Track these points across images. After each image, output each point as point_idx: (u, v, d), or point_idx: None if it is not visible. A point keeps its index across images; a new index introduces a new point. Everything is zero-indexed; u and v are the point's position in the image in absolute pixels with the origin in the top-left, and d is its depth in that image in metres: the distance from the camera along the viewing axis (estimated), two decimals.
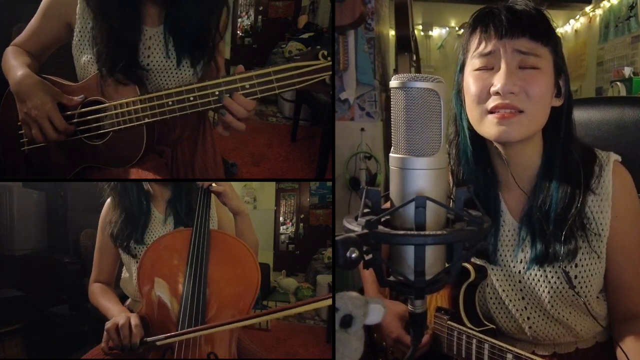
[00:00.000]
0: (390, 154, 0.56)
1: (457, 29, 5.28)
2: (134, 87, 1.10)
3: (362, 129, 2.97)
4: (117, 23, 1.09)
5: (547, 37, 0.90)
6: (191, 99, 1.05)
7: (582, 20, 4.87)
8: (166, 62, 1.16)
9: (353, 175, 2.96)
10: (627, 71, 3.80)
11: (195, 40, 1.16)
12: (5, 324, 1.85)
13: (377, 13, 3.08)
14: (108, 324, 1.04)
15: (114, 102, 1.10)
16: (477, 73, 0.91)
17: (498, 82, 0.87)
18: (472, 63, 0.93)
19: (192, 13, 1.13)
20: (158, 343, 0.98)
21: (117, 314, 1.13)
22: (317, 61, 1.02)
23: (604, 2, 4.41)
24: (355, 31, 2.85)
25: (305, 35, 3.07)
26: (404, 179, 0.55)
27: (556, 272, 0.95)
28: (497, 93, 0.87)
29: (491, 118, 0.89)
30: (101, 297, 1.28)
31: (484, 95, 0.90)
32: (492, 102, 0.88)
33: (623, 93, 3.66)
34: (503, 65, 0.88)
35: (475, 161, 0.99)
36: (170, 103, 1.06)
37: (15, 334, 1.88)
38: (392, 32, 3.30)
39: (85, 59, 1.14)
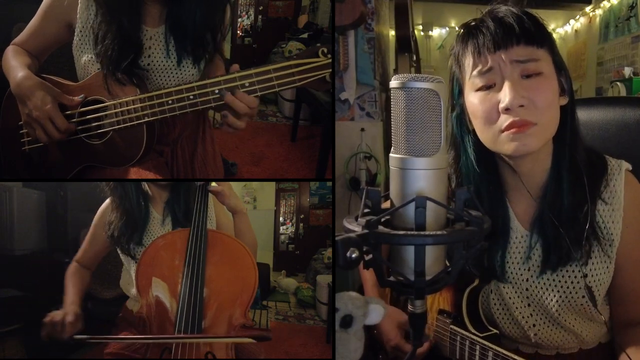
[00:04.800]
0: (390, 154, 0.56)
1: (457, 29, 5.28)
2: (134, 88, 1.10)
3: (362, 129, 2.97)
4: (126, 20, 1.09)
5: (542, 38, 0.87)
6: (191, 97, 1.05)
7: (582, 20, 4.87)
8: (166, 61, 1.16)
9: (353, 175, 2.96)
10: (627, 71, 3.80)
11: (198, 39, 1.16)
12: (5, 324, 1.85)
13: (377, 13, 3.08)
14: (47, 317, 1.13)
15: (114, 102, 1.10)
16: (480, 94, 0.88)
17: (505, 98, 0.84)
18: (473, 83, 0.89)
19: (194, 12, 1.13)
20: (89, 341, 1.06)
21: (68, 303, 1.23)
22: (317, 59, 1.02)
23: (604, 2, 4.41)
24: (355, 31, 2.84)
25: (306, 35, 3.07)
26: (404, 179, 0.55)
27: (566, 281, 0.94)
28: (506, 109, 0.84)
29: (505, 135, 0.86)
30: (70, 279, 1.35)
31: (493, 115, 0.86)
32: (504, 121, 0.85)
33: (623, 93, 3.65)
34: (505, 80, 0.85)
35: (482, 181, 0.96)
36: (170, 102, 1.06)
37: (15, 334, 1.88)
38: (392, 32, 3.30)
39: (85, 59, 1.14)
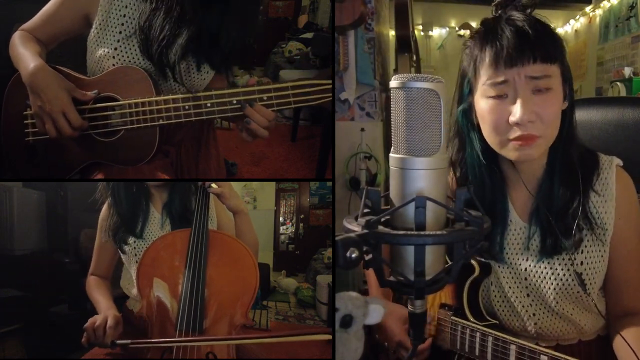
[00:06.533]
0: (390, 154, 0.56)
1: (457, 29, 5.28)
2: (181, 87, 1.11)
3: (362, 129, 2.97)
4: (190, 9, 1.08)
5: (555, 53, 0.89)
6: (208, 105, 1.05)
7: (582, 20, 4.87)
8: (184, 65, 1.14)
9: (353, 175, 2.96)
10: (627, 71, 3.81)
11: (230, 48, 1.16)
12: (5, 324, 1.85)
13: (377, 13, 3.08)
14: (87, 323, 1.10)
15: (129, 101, 1.07)
16: (491, 102, 0.90)
17: (516, 112, 0.87)
18: (485, 90, 0.91)
19: (227, 23, 1.12)
20: (130, 346, 1.05)
21: (104, 309, 1.19)
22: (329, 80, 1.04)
23: (604, 2, 4.41)
24: (355, 31, 2.84)
25: (306, 35, 3.07)
26: (404, 179, 0.55)
27: (562, 269, 0.97)
28: (516, 124, 0.88)
29: (512, 144, 0.90)
30: (94, 290, 1.32)
31: (502, 125, 0.90)
32: (513, 133, 0.89)
33: (623, 93, 3.66)
34: (518, 96, 0.87)
35: (487, 171, 1.00)
36: (187, 107, 1.05)
37: (15, 334, 1.88)
38: (392, 32, 3.29)
39: (101, 53, 1.10)
